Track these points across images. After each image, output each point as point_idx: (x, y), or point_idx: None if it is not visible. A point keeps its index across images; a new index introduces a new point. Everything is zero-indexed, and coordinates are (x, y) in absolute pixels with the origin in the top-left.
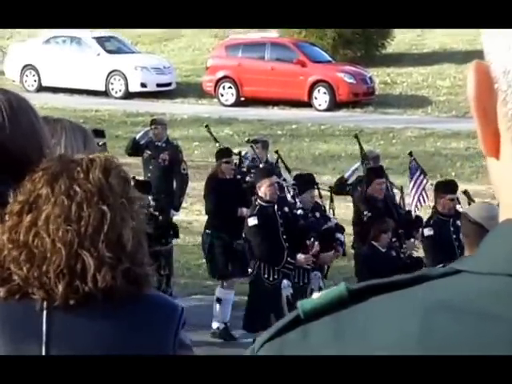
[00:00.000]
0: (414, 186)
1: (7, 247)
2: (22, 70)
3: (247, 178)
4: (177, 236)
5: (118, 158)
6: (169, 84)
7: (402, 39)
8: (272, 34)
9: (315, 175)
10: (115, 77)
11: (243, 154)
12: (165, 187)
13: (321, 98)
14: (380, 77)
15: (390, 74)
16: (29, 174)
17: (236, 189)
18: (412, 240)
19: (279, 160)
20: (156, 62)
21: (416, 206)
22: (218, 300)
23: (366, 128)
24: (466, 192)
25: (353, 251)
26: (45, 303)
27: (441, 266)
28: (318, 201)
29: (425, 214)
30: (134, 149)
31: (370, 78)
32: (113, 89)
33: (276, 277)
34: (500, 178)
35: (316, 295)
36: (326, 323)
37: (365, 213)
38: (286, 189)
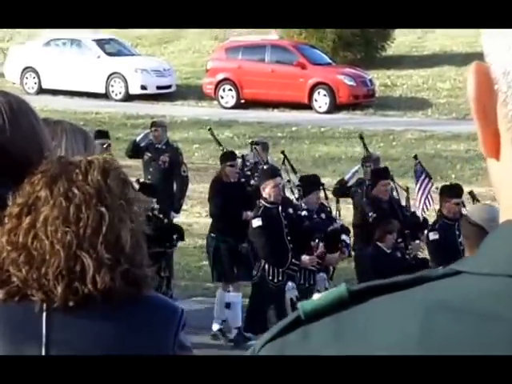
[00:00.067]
0: (419, 190)
1: (6, 249)
2: (22, 73)
3: (252, 182)
4: (182, 239)
5: (117, 160)
6: (169, 86)
7: (402, 41)
8: (272, 36)
9: None
10: (115, 79)
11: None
12: (165, 189)
13: (321, 100)
14: (380, 79)
15: (390, 77)
16: (28, 177)
17: (240, 192)
18: (417, 241)
19: (285, 161)
20: (156, 64)
21: (422, 209)
22: (227, 305)
23: (366, 130)
24: (471, 193)
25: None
26: (44, 305)
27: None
28: (324, 202)
29: (429, 217)
30: (135, 151)
31: (370, 81)
32: (113, 91)
33: (280, 279)
34: (500, 179)
35: (316, 296)
36: (326, 324)
37: (370, 214)
38: (290, 190)
